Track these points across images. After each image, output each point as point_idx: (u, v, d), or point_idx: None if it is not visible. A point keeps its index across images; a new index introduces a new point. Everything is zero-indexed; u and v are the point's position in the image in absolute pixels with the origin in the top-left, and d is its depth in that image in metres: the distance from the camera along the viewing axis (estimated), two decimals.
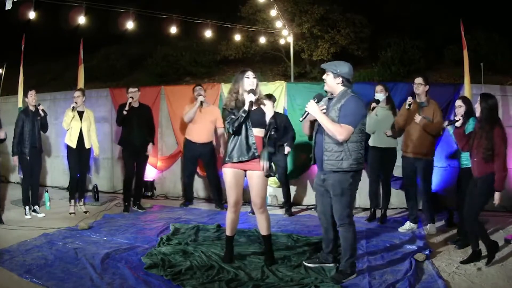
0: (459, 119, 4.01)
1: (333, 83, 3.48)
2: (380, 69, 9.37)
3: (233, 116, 3.64)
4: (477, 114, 3.83)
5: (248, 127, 3.67)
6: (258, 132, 3.71)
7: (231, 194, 3.75)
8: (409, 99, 4.78)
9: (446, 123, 4.35)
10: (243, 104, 3.67)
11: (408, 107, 4.75)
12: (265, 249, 3.90)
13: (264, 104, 3.76)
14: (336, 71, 3.45)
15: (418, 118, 4.69)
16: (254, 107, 3.67)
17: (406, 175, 4.97)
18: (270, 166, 3.65)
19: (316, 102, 3.46)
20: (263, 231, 3.82)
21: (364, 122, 3.50)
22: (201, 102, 5.90)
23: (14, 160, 5.47)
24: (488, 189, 3.71)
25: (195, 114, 5.96)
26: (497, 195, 3.67)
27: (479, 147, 3.72)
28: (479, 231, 3.81)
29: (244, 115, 3.60)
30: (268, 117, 3.69)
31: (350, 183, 3.44)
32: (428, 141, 4.74)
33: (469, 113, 4.10)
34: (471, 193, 3.85)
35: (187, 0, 10.99)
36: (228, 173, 3.73)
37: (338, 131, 3.33)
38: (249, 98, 3.63)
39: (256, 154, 3.64)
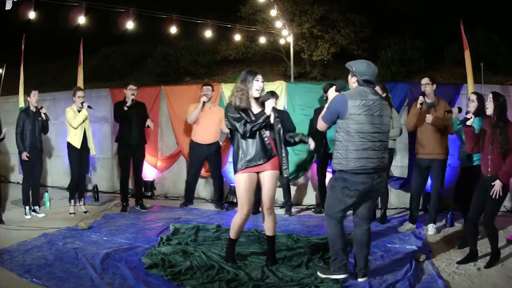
0: (471, 117, 3.88)
1: (350, 81, 3.42)
2: (380, 69, 9.34)
3: (247, 119, 3.58)
4: (488, 112, 3.78)
5: (262, 129, 3.64)
6: (269, 133, 3.71)
7: (248, 199, 3.66)
8: (421, 98, 4.70)
9: (457, 112, 4.35)
10: (248, 106, 3.65)
11: (420, 106, 4.69)
12: (267, 250, 3.88)
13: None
14: (352, 69, 3.34)
15: (429, 118, 4.66)
16: (259, 109, 3.67)
17: (417, 176, 4.90)
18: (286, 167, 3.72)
19: (336, 90, 3.58)
20: (269, 232, 3.79)
21: (354, 121, 3.18)
22: (204, 103, 5.91)
23: (23, 156, 5.39)
24: (503, 188, 3.68)
25: (198, 115, 5.97)
26: (497, 183, 3.66)
27: (495, 143, 3.68)
28: (493, 233, 3.79)
29: (266, 120, 3.58)
30: (268, 110, 3.62)
31: (332, 186, 3.40)
32: (442, 140, 4.73)
33: (478, 112, 4.08)
34: (482, 193, 3.81)
35: (187, 0, 10.99)
36: (245, 179, 3.63)
37: (317, 121, 3.48)
38: (270, 104, 3.63)
39: (273, 154, 3.67)
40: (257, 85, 3.65)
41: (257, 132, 3.60)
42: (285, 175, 3.75)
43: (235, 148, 3.71)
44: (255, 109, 3.69)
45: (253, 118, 3.61)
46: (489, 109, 3.78)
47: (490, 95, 3.80)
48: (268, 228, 3.80)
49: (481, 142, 3.83)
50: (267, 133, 3.66)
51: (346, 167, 3.23)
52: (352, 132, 3.20)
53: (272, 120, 3.66)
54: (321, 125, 3.43)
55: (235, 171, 3.68)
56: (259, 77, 3.68)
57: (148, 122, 5.89)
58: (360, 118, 3.18)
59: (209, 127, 5.96)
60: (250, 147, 3.61)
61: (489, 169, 3.77)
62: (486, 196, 3.79)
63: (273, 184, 3.71)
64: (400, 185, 5.98)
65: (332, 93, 3.58)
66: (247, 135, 3.57)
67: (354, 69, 3.31)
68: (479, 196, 3.87)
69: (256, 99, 3.72)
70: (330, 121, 3.34)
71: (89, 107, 5.60)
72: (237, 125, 3.57)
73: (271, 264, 3.75)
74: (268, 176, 3.68)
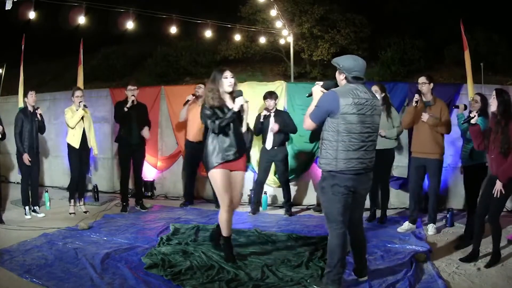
0: (474, 116, 3.89)
1: (338, 78, 3.22)
2: (380, 69, 9.39)
3: (220, 115, 3.72)
4: (492, 109, 3.78)
5: (236, 126, 3.80)
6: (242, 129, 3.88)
7: (226, 194, 3.79)
8: (416, 96, 4.69)
9: (458, 111, 4.41)
10: (222, 103, 3.76)
11: (415, 105, 4.68)
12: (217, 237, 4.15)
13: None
14: (339, 66, 3.16)
15: (425, 116, 4.66)
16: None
17: (414, 175, 4.88)
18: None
19: (321, 86, 3.27)
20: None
21: (345, 120, 3.04)
22: (188, 100, 6.04)
23: (25, 158, 5.37)
24: (508, 186, 3.68)
25: (187, 113, 6.07)
26: (497, 184, 3.67)
27: (496, 142, 3.69)
28: (497, 232, 3.79)
29: (234, 116, 3.73)
30: (236, 106, 3.74)
31: (322, 187, 3.21)
32: (437, 140, 4.72)
33: (481, 112, 4.10)
34: (489, 191, 3.80)
35: (187, 0, 11.00)
36: (220, 174, 3.75)
37: (304, 119, 3.26)
38: (239, 101, 3.74)
39: (245, 148, 3.87)
40: (227, 82, 3.79)
41: (232, 128, 3.75)
42: (246, 171, 3.97)
43: (207, 144, 3.81)
44: (230, 105, 3.80)
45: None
46: (493, 106, 3.76)
47: (494, 92, 3.78)
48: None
49: (486, 140, 3.84)
50: (241, 129, 3.83)
51: (335, 168, 3.10)
52: (343, 132, 3.06)
53: (244, 115, 3.83)
54: (308, 124, 3.19)
55: (209, 168, 3.78)
56: (227, 73, 3.80)
57: (144, 132, 5.88)
58: (352, 117, 3.04)
59: (198, 124, 5.94)
60: (225, 142, 3.75)
61: (493, 168, 3.78)
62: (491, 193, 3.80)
63: (242, 184, 3.95)
64: (400, 185, 5.98)
65: (317, 90, 3.27)
66: (216, 131, 3.71)
67: (341, 66, 3.14)
68: (486, 193, 3.87)
69: (231, 94, 3.83)
70: (319, 120, 3.14)
71: (85, 106, 5.60)
72: (208, 122, 3.73)
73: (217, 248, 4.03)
74: (239, 177, 3.90)
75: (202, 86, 6.09)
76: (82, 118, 5.60)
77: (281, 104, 6.35)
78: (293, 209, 5.94)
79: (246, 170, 3.92)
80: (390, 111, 5.15)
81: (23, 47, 6.45)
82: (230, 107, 3.78)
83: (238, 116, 3.80)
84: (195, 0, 11.44)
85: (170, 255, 4.00)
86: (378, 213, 5.36)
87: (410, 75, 9.11)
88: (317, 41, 10.06)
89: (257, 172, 6.01)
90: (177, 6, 7.99)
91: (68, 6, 5.95)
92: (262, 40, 9.31)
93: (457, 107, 4.74)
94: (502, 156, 3.67)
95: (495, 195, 3.70)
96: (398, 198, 6.06)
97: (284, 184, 5.79)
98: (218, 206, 6.08)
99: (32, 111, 5.52)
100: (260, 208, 5.97)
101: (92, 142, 5.78)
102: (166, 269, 3.66)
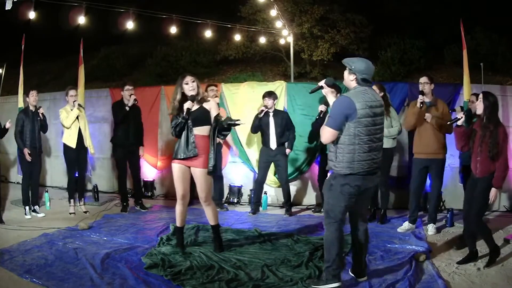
0: (461, 117, 3.87)
1: (347, 78, 3.30)
2: (380, 69, 9.39)
3: (177, 121, 3.99)
4: (478, 112, 3.77)
5: (189, 128, 4.00)
6: (199, 131, 4.03)
7: (179, 187, 4.10)
8: (420, 97, 4.66)
9: (457, 114, 4.39)
10: (178, 110, 4.01)
11: (421, 106, 4.65)
12: (213, 237, 4.22)
13: (207, 101, 4.09)
14: (351, 67, 3.25)
15: (429, 117, 4.67)
16: (195, 107, 4.02)
17: (417, 176, 4.87)
18: (214, 165, 4.03)
19: (325, 83, 3.40)
20: (211, 221, 4.17)
21: (361, 124, 3.11)
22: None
23: (25, 152, 5.37)
24: (490, 189, 3.69)
25: None
26: (493, 191, 3.68)
27: (483, 145, 3.68)
28: (484, 232, 3.80)
29: (183, 121, 3.98)
30: (212, 116, 4.04)
31: (330, 184, 3.28)
32: (440, 139, 4.73)
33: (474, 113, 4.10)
34: (471, 193, 3.83)
35: (187, 0, 11.01)
36: (175, 168, 4.08)
37: (321, 132, 3.29)
38: (186, 105, 3.97)
39: (196, 152, 3.97)
40: (188, 87, 4.02)
41: (185, 131, 3.99)
42: (210, 170, 4.06)
43: None
44: (195, 107, 4.03)
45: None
46: (479, 109, 3.75)
47: (481, 95, 3.76)
48: (209, 218, 4.18)
49: (471, 142, 3.83)
50: (196, 131, 4.00)
51: (353, 170, 3.16)
52: (360, 135, 3.12)
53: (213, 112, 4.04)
54: (329, 134, 3.18)
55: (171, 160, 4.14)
56: (187, 79, 4.04)
57: (140, 152, 6.08)
58: (368, 120, 3.13)
59: None
60: (178, 142, 4.06)
61: (477, 171, 3.77)
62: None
63: (202, 181, 4.06)
64: (399, 184, 5.98)
65: (330, 95, 3.39)
66: (174, 135, 4.07)
67: (353, 67, 3.23)
68: (469, 194, 3.88)
69: (196, 96, 4.02)
70: (340, 127, 3.15)
71: (79, 105, 5.59)
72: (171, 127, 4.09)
73: (219, 251, 4.07)
74: (197, 174, 4.06)
75: (214, 88, 6.06)
76: (77, 117, 5.60)
77: (281, 104, 6.35)
78: (293, 209, 5.94)
79: (207, 168, 4.03)
80: (389, 111, 5.15)
81: (23, 47, 6.44)
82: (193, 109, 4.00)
83: (200, 119, 4.00)
84: (195, 0, 11.44)
85: (170, 255, 4.00)
86: (378, 213, 5.36)
87: (410, 75, 9.11)
88: (317, 41, 10.06)
89: (256, 172, 6.01)
90: (177, 6, 7.99)
91: (68, 6, 5.95)
92: (262, 40, 9.30)
93: (454, 110, 4.75)
94: (489, 160, 3.66)
95: (490, 201, 3.72)
96: (398, 198, 6.06)
97: (284, 184, 5.79)
98: (218, 206, 6.11)
99: (34, 110, 5.52)
100: (260, 208, 5.97)
101: (88, 142, 5.77)
102: (166, 269, 3.66)
